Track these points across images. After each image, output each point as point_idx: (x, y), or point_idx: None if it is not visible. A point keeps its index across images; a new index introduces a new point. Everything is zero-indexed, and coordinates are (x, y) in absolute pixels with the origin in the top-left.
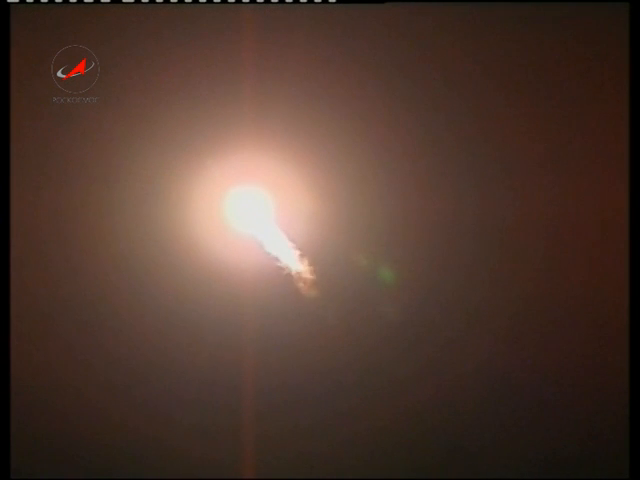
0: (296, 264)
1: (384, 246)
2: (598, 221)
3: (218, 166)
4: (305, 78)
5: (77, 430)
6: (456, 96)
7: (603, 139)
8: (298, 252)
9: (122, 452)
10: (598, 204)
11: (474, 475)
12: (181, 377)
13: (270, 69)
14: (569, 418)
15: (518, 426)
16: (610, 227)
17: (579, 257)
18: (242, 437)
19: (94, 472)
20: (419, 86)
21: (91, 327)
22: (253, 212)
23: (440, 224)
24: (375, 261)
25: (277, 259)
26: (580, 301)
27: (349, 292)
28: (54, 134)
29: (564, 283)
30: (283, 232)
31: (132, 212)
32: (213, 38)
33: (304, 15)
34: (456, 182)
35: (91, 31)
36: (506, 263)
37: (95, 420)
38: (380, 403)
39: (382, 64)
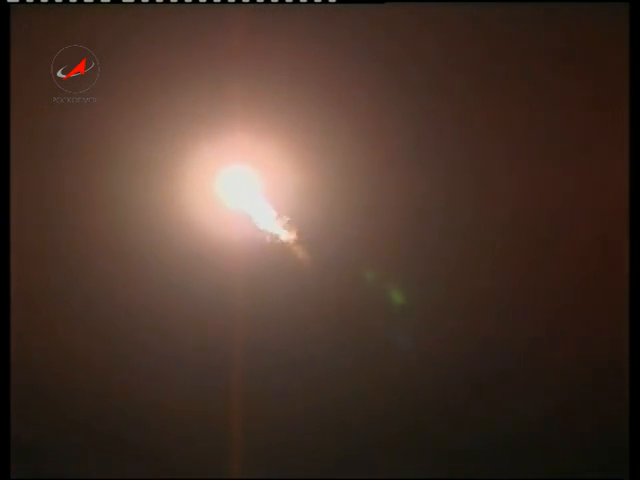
0: (283, 234)
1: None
2: (589, 211)
3: (210, 149)
4: (294, 67)
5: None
6: (453, 96)
7: (602, 139)
8: (285, 223)
9: (120, 410)
10: (595, 194)
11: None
12: (175, 340)
13: (263, 60)
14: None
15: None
16: (600, 218)
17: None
18: (231, 395)
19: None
20: (415, 83)
21: (93, 301)
22: (243, 190)
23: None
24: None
25: (265, 230)
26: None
27: (335, 258)
28: (54, 133)
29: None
30: (271, 206)
31: (132, 194)
32: (213, 36)
33: (303, 14)
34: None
35: (91, 31)
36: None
37: (94, 382)
38: (365, 367)
39: (374, 55)
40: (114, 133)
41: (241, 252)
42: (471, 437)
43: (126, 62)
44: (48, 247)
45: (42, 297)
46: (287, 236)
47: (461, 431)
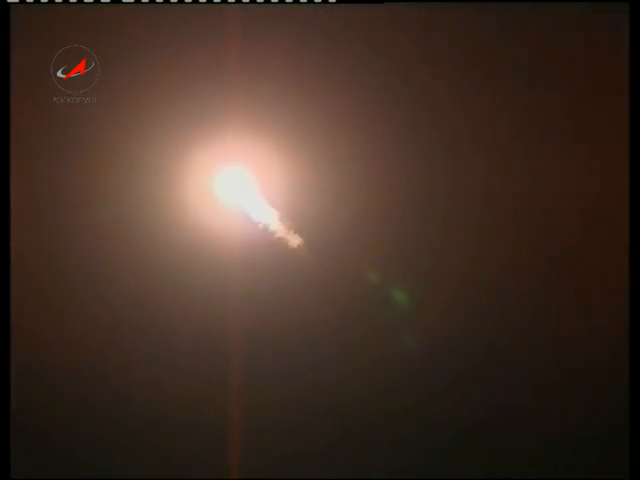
0: (279, 229)
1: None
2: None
3: (207, 153)
4: (290, 68)
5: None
6: (453, 96)
7: (602, 140)
8: (279, 217)
9: (118, 392)
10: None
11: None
12: (173, 328)
13: (262, 61)
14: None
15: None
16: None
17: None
18: (229, 379)
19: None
20: (413, 83)
21: (96, 294)
22: (240, 189)
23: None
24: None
25: (262, 225)
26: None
27: (327, 249)
28: (54, 134)
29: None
30: (267, 203)
31: (133, 192)
32: (211, 36)
33: (303, 14)
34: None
35: (91, 31)
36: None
37: (94, 366)
38: (363, 351)
39: (372, 57)
40: (114, 133)
41: (239, 247)
42: (475, 406)
43: (126, 62)
44: (51, 244)
45: (45, 285)
46: (282, 230)
47: (463, 402)
